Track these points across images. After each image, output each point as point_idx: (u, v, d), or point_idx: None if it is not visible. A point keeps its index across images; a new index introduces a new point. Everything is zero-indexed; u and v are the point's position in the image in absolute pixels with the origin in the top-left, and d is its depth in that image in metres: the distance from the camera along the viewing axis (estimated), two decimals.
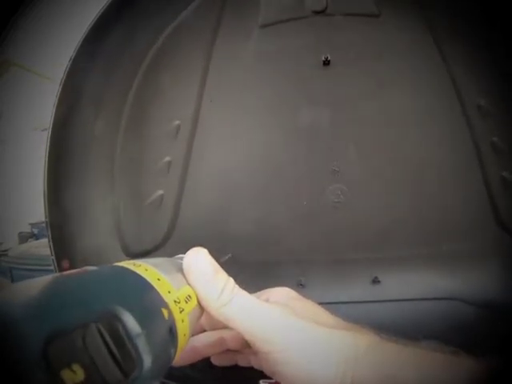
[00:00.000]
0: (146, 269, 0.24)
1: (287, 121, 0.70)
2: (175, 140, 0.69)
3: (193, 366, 0.52)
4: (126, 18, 0.59)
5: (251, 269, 0.73)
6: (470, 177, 0.66)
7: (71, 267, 0.60)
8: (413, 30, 0.66)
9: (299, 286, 0.72)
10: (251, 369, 0.47)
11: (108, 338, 0.16)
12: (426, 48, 0.65)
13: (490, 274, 0.68)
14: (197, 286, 0.29)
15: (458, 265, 0.69)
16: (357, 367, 0.30)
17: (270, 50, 0.67)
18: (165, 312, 0.23)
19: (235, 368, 0.48)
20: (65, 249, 0.60)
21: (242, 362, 0.45)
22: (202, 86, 0.68)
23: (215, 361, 0.45)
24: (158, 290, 0.23)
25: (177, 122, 0.68)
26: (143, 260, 0.27)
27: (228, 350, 0.44)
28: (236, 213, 0.73)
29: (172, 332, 0.23)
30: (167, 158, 0.69)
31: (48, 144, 0.55)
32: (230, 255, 0.73)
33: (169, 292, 0.24)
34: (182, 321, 0.25)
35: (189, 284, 0.29)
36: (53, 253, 0.57)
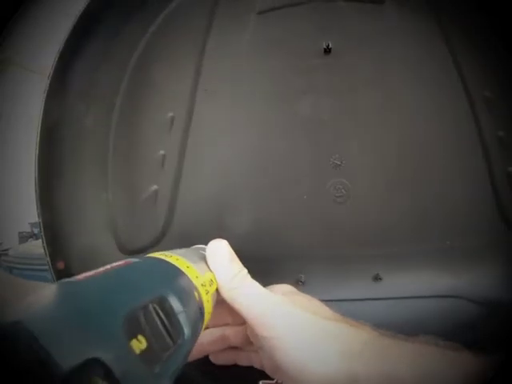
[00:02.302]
0: (177, 258, 0.29)
1: (286, 112, 0.67)
2: (169, 133, 0.67)
3: (192, 365, 0.51)
4: (115, 6, 0.56)
5: (250, 265, 0.71)
6: (476, 172, 0.64)
7: (66, 268, 0.59)
8: (418, 17, 0.63)
9: (299, 283, 0.70)
10: (251, 369, 0.46)
11: (162, 315, 0.21)
12: (432, 36, 0.62)
13: (495, 272, 0.67)
14: (216, 269, 0.34)
15: (461, 262, 0.68)
16: (356, 360, 0.30)
17: (268, 37, 0.64)
18: (196, 294, 0.28)
19: (235, 368, 0.47)
20: (59, 249, 0.58)
21: (243, 361, 0.45)
22: (196, 75, 0.65)
23: (215, 359, 0.45)
24: (189, 276, 0.28)
25: (170, 114, 0.66)
26: (171, 251, 0.31)
27: (230, 348, 0.45)
28: (234, 207, 0.71)
29: (201, 311, 0.28)
30: (161, 152, 0.67)
31: (38, 141, 0.54)
32: None
33: (197, 277, 0.29)
34: (208, 301, 0.30)
35: (210, 269, 0.34)
36: (47, 253, 0.56)
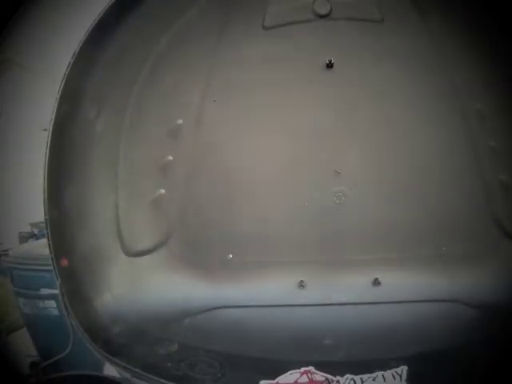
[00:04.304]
0: None
1: (290, 122, 0.71)
2: (177, 139, 0.69)
3: (192, 366, 0.51)
4: (130, 16, 0.59)
5: (252, 269, 0.72)
6: (470, 180, 0.67)
7: (70, 265, 0.60)
8: (414, 35, 0.67)
9: (299, 287, 0.71)
10: (251, 369, 0.47)
11: None
12: (427, 53, 0.67)
13: (490, 276, 0.69)
14: None
15: (458, 267, 0.70)
16: None
17: (274, 51, 0.68)
18: None
19: (235, 368, 0.48)
20: (64, 247, 0.59)
21: None
22: (205, 85, 0.68)
23: None
24: None
25: (179, 121, 0.68)
26: None
27: None
28: (237, 213, 0.73)
29: None
30: (169, 158, 0.69)
31: (49, 142, 0.56)
32: (230, 256, 0.72)
33: None
34: None
35: None
36: (52, 251, 0.57)
